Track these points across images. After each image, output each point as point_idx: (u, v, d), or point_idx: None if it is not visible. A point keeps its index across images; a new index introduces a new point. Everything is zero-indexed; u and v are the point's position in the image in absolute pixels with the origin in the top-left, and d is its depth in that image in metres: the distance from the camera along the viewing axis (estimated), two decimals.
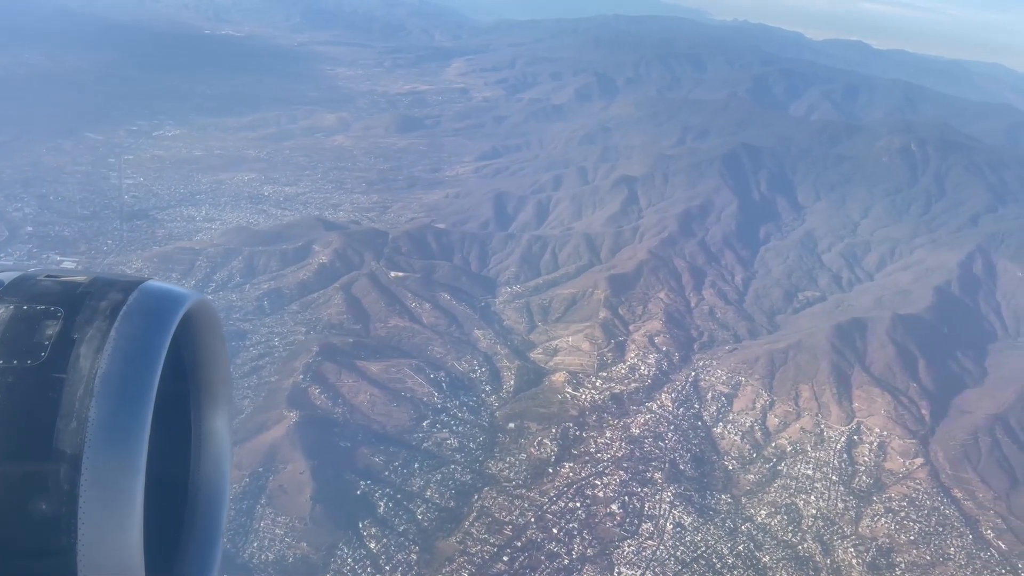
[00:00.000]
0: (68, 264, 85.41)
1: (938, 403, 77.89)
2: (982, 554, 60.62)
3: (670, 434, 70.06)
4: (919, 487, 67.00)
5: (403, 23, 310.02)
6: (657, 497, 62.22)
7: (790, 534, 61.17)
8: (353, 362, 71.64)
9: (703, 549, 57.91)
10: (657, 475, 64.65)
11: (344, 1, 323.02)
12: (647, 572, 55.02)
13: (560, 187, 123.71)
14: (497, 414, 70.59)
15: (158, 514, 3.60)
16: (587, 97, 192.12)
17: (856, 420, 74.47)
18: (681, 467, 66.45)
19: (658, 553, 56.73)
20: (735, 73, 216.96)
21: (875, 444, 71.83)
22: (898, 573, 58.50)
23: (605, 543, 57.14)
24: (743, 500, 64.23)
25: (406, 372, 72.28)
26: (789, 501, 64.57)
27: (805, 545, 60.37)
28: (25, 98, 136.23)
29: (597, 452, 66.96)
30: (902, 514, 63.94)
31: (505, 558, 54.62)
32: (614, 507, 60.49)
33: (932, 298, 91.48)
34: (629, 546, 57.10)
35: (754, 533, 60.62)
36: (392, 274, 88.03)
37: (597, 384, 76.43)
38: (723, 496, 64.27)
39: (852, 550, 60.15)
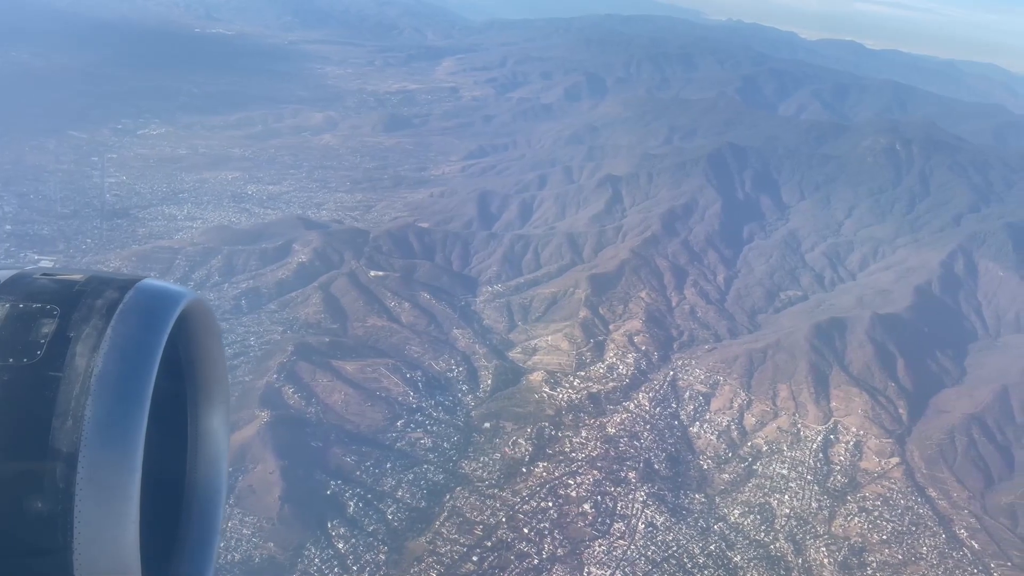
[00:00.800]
0: (45, 263, 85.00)
1: (916, 402, 77.95)
2: (954, 553, 60.65)
3: (646, 433, 69.96)
4: (894, 486, 67.04)
5: (395, 22, 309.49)
6: (630, 497, 62.11)
7: (763, 533, 61.12)
8: (328, 362, 71.40)
9: (674, 549, 57.81)
10: (631, 474, 64.54)
11: (337, 0, 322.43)
12: (617, 572, 54.90)
13: (545, 186, 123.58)
14: (473, 414, 70.42)
15: (154, 513, 3.59)
16: (576, 96, 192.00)
17: (833, 419, 74.48)
18: (656, 466, 66.36)
19: (628, 553, 56.62)
20: (725, 73, 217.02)
21: (851, 443, 71.85)
22: (869, 572, 58.49)
23: (576, 543, 57.01)
24: (717, 499, 64.17)
25: (382, 372, 72.07)
26: (763, 500, 64.54)
27: (777, 545, 60.33)
28: (9, 96, 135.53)
29: (572, 452, 66.83)
30: (875, 513, 63.95)
31: (475, 558, 54.45)
32: (586, 507, 60.37)
33: (912, 298, 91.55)
34: (600, 546, 56.98)
35: (726, 532, 60.55)
36: (372, 273, 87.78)
37: (575, 383, 76.31)
38: (697, 495, 64.20)
39: (824, 549, 60.13)
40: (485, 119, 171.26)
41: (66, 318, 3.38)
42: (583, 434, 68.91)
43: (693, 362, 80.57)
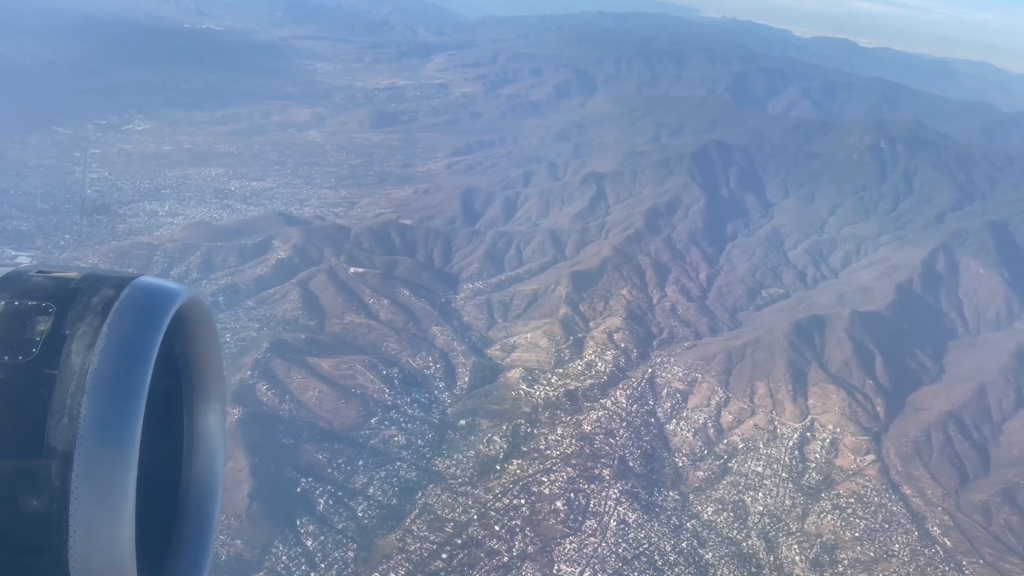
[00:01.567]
0: (23, 259, 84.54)
1: (893, 400, 78.06)
2: (926, 551, 60.75)
3: (622, 431, 69.88)
4: (868, 484, 67.11)
5: (387, 18, 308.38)
6: (603, 494, 62.02)
7: (735, 531, 61.12)
8: (304, 358, 71.15)
9: (645, 546, 57.76)
10: (605, 472, 64.45)
11: None
12: (587, 569, 54.82)
13: (530, 183, 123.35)
14: (449, 411, 70.27)
15: (150, 511, 3.58)
16: (565, 93, 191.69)
17: (810, 417, 74.54)
18: (630, 464, 66.28)
19: (599, 550, 56.54)
20: (715, 70, 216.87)
21: (827, 441, 71.91)
22: (840, 570, 58.53)
23: (547, 540, 56.91)
24: (691, 497, 64.16)
25: (358, 369, 71.85)
26: (737, 498, 64.54)
27: (749, 542, 60.34)
28: None
29: (547, 449, 66.72)
30: (849, 511, 64.02)
31: (444, 555, 54.32)
32: (559, 504, 60.28)
33: (893, 295, 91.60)
34: (571, 543, 56.88)
35: (699, 530, 60.54)
36: (351, 270, 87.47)
37: (552, 381, 76.21)
38: (671, 493, 64.16)
39: (796, 547, 60.17)
40: (473, 116, 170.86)
41: (61, 315, 3.36)
42: (559, 431, 68.78)
43: (672, 359, 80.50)
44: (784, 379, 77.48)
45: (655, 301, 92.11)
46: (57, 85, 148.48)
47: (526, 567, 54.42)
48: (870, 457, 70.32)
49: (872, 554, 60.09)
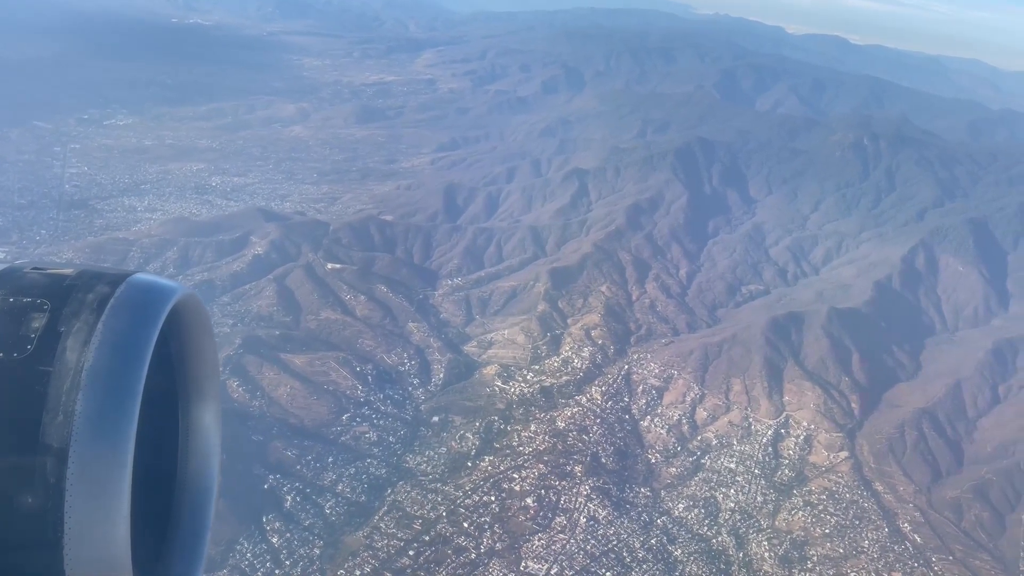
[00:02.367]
0: None
1: (869, 397, 78.14)
2: (896, 547, 60.82)
3: (595, 427, 69.77)
4: (840, 480, 67.19)
5: (378, 13, 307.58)
6: (574, 491, 61.90)
7: (706, 528, 61.11)
8: (277, 355, 70.83)
9: (614, 543, 57.68)
10: (577, 468, 64.33)
11: None
12: (554, 566, 54.73)
13: (513, 179, 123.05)
14: (422, 407, 70.06)
15: (145, 508, 3.57)
16: (553, 90, 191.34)
17: (785, 414, 74.57)
18: (603, 460, 66.18)
19: (568, 547, 56.45)
20: (705, 67, 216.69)
21: (801, 438, 71.96)
22: (809, 566, 58.57)
23: (515, 537, 56.78)
24: (662, 493, 64.11)
25: (331, 365, 71.56)
26: (709, 495, 64.53)
27: (720, 539, 60.33)
28: None
29: (519, 446, 66.58)
30: (820, 507, 64.07)
31: (411, 552, 54.15)
32: (529, 501, 60.15)
33: (871, 292, 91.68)
34: (539, 540, 56.78)
35: (669, 527, 60.49)
36: (328, 266, 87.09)
37: (528, 377, 76.06)
38: (642, 489, 64.10)
39: (766, 544, 60.19)
40: (460, 111, 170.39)
41: (56, 312, 3.35)
42: (532, 428, 68.65)
43: (649, 356, 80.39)
44: (760, 376, 77.46)
45: (634, 298, 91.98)
46: (40, 80, 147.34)
47: (493, 564, 54.29)
48: (843, 454, 70.40)
49: (841, 551, 60.15)
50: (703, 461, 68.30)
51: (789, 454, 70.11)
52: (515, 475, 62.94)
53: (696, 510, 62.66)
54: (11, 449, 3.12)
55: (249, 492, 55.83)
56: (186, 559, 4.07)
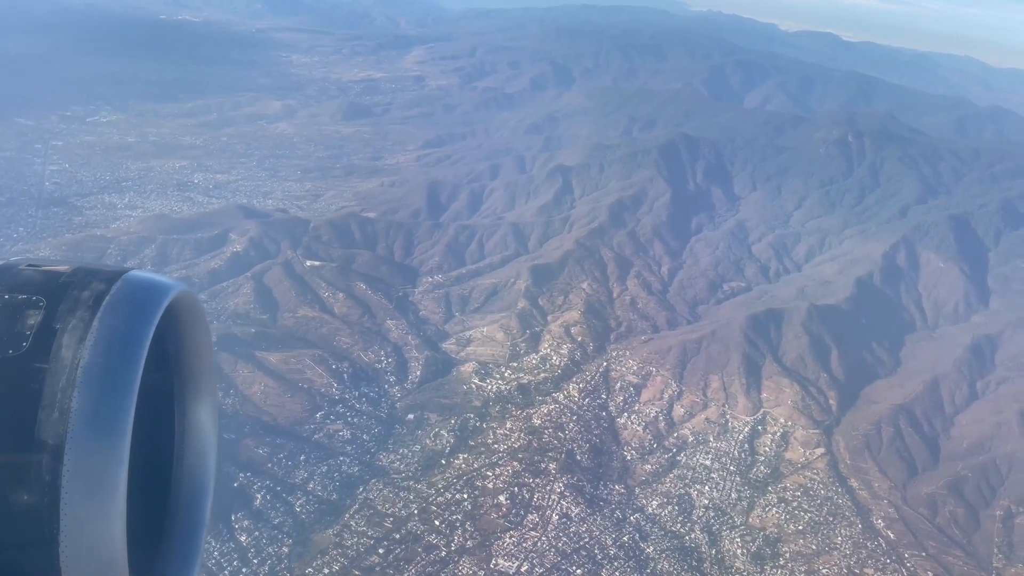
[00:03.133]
0: None
1: (847, 393, 78.19)
2: (869, 544, 60.86)
3: (572, 424, 69.66)
4: (816, 477, 67.21)
5: (368, 10, 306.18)
6: (548, 488, 61.79)
7: (679, 524, 61.07)
8: (252, 353, 70.51)
9: (586, 540, 57.58)
10: (552, 466, 64.21)
11: None
12: (524, 563, 54.61)
13: (497, 176, 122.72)
14: (398, 405, 69.83)
15: (141, 506, 3.57)
16: (542, 86, 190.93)
17: (762, 411, 74.59)
18: (578, 457, 66.07)
19: (539, 544, 56.33)
20: (694, 64, 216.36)
21: (778, 434, 71.97)
22: (781, 563, 58.56)
23: (487, 535, 56.64)
24: (636, 490, 64.03)
25: (307, 363, 71.27)
26: (683, 491, 64.49)
27: (692, 536, 60.29)
28: None
29: (494, 443, 66.42)
30: (794, 504, 64.09)
31: (381, 550, 53.96)
32: (501, 498, 60.01)
33: (852, 289, 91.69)
34: (511, 537, 56.64)
35: (642, 524, 60.42)
36: (307, 263, 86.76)
37: (506, 375, 75.89)
38: (616, 487, 64.00)
39: (739, 540, 60.18)
40: (447, 108, 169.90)
41: (52, 309, 3.33)
42: (508, 425, 68.50)
43: (628, 353, 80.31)
44: (738, 373, 77.45)
45: (615, 295, 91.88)
46: (25, 76, 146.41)
47: (463, 561, 54.14)
48: (820, 450, 70.44)
49: (814, 547, 60.18)
50: (679, 458, 68.26)
51: (765, 451, 70.11)
52: (489, 473, 62.78)
53: (670, 507, 62.61)
54: (7, 446, 3.09)
55: (218, 490, 55.23)
56: (182, 557, 4.06)
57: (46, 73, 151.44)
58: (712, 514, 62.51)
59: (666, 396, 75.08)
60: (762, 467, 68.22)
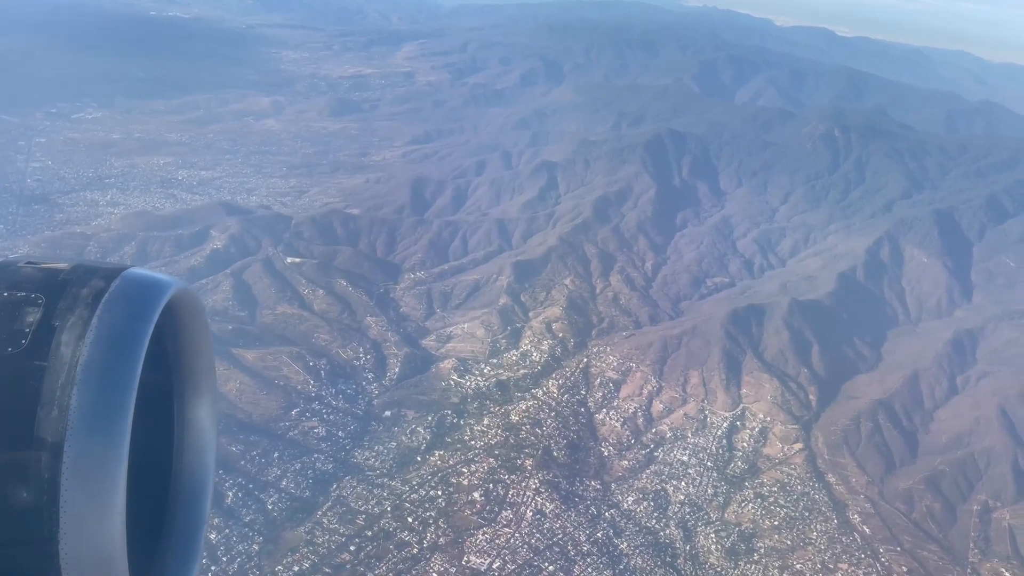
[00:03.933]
0: None
1: (827, 388, 78.14)
2: (844, 539, 60.83)
3: (549, 421, 69.54)
4: (793, 472, 67.16)
5: (361, 6, 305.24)
6: (523, 484, 61.66)
7: (654, 520, 60.98)
8: (228, 350, 70.23)
9: (559, 536, 57.47)
10: (528, 462, 64.09)
11: None
12: (496, 560, 54.49)
13: (483, 172, 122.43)
14: (375, 402, 69.63)
15: (141, 504, 3.55)
16: (532, 82, 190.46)
17: (742, 406, 74.49)
18: (555, 454, 65.94)
19: (511, 541, 56.21)
20: (686, 59, 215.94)
21: (757, 430, 71.90)
22: (756, 558, 58.51)
23: (460, 531, 56.50)
24: (612, 486, 63.93)
25: (284, 360, 71.05)
26: (659, 487, 64.40)
27: (667, 532, 60.21)
28: None
29: (471, 440, 66.28)
30: (771, 499, 64.03)
31: (352, 548, 53.80)
32: (476, 495, 59.87)
33: (835, 284, 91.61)
34: (484, 534, 56.51)
35: (616, 520, 60.32)
36: (288, 260, 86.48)
37: (485, 371, 75.72)
38: (593, 483, 63.90)
39: (713, 536, 60.13)
40: (436, 104, 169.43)
41: (51, 307, 3.33)
42: (485, 422, 68.36)
43: (608, 349, 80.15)
44: (718, 368, 77.34)
45: (598, 291, 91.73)
46: (10, 73, 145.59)
47: (435, 558, 54.02)
48: (798, 446, 70.40)
49: (789, 542, 60.14)
50: (656, 454, 68.16)
51: (743, 446, 70.04)
52: (464, 469, 62.64)
53: (645, 503, 62.53)
54: (6, 444, 3.08)
55: None
56: (181, 555, 4.06)
57: (32, 70, 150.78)
58: (688, 510, 62.44)
59: (645, 392, 74.96)
60: (739, 463, 68.15)
